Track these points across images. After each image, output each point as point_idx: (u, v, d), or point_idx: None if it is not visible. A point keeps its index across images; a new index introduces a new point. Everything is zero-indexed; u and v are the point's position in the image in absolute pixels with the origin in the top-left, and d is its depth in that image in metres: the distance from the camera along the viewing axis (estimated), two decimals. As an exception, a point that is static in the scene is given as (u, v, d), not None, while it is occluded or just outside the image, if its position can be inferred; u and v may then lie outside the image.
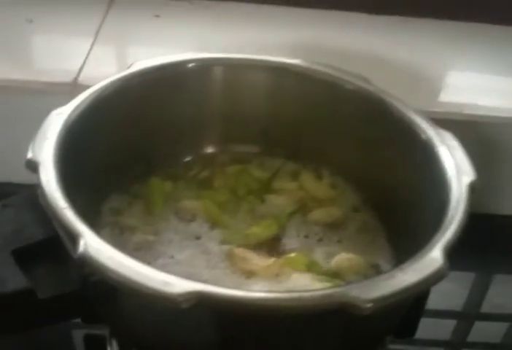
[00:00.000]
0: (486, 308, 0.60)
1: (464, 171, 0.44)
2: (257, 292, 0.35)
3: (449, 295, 0.59)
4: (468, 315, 0.59)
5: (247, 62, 0.53)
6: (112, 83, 0.48)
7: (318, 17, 0.75)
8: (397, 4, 0.76)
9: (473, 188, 0.42)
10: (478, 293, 0.61)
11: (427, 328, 0.55)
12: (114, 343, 0.49)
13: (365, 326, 0.38)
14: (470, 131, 0.62)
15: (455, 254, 0.58)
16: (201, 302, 0.33)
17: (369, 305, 0.33)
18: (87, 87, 0.50)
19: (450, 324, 0.58)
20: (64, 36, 0.71)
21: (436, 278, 0.35)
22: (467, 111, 0.63)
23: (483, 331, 0.58)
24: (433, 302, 0.55)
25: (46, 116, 0.46)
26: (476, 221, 0.62)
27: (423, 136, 0.47)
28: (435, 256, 0.36)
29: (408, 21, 0.76)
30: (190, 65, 0.51)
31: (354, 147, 0.53)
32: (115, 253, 0.35)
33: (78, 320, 0.45)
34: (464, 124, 0.62)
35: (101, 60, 0.67)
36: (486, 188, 0.64)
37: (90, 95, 0.47)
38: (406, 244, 0.46)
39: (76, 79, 0.62)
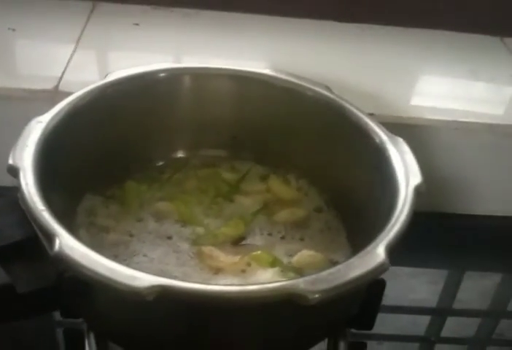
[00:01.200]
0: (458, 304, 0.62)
1: (412, 174, 0.47)
2: (213, 285, 0.39)
3: (424, 292, 0.62)
4: (441, 311, 0.62)
5: (215, 71, 0.56)
6: (88, 92, 0.51)
7: (292, 26, 0.78)
8: (364, 12, 0.80)
9: (419, 191, 0.46)
10: (450, 290, 0.64)
11: (402, 324, 0.59)
12: (92, 337, 0.52)
13: (316, 316, 0.41)
14: (430, 135, 0.66)
15: (429, 253, 0.63)
16: (164, 294, 0.36)
17: (315, 296, 0.37)
18: (68, 93, 0.53)
19: (425, 319, 0.61)
20: (46, 45, 0.73)
21: (378, 272, 0.39)
22: (428, 116, 0.66)
23: (455, 326, 0.61)
24: (408, 299, 0.60)
25: (27, 122, 0.49)
26: (448, 221, 0.68)
27: (377, 140, 0.51)
28: (378, 252, 0.40)
29: (374, 28, 0.79)
30: (161, 74, 0.55)
31: (316, 151, 0.56)
32: (88, 251, 0.39)
33: (58, 315, 0.49)
34: (426, 128, 0.65)
35: (81, 67, 0.68)
36: (452, 188, 0.69)
37: (67, 104, 0.50)
38: (363, 242, 0.49)
39: (57, 86, 0.65)
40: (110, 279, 0.37)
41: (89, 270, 0.37)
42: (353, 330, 0.53)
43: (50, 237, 0.39)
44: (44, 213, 0.41)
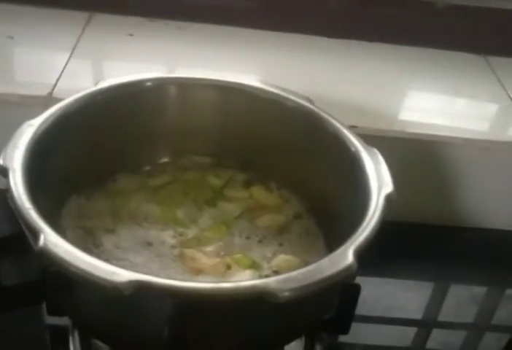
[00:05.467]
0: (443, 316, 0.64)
1: (384, 184, 0.49)
2: (188, 282, 0.41)
3: (409, 304, 0.64)
4: (427, 323, 0.63)
5: (201, 82, 0.59)
6: (79, 99, 0.54)
7: (281, 40, 0.81)
8: (352, 29, 0.82)
9: (390, 199, 0.48)
10: (436, 302, 0.65)
11: (388, 335, 0.61)
12: (76, 335, 0.54)
13: (289, 315, 0.43)
14: (411, 148, 0.68)
15: (413, 265, 0.65)
16: (141, 289, 0.38)
17: (285, 294, 0.39)
18: (61, 100, 0.55)
19: (409, 331, 0.62)
20: (42, 53, 0.75)
21: (346, 274, 0.41)
22: (410, 130, 0.68)
23: (440, 338, 0.62)
24: (394, 310, 0.62)
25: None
26: (442, 232, 0.70)
27: (353, 150, 0.53)
28: (346, 255, 0.42)
29: (362, 44, 0.81)
30: (148, 84, 0.57)
31: (297, 160, 0.59)
32: (70, 247, 0.41)
33: (42, 313, 0.51)
34: (408, 141, 0.67)
35: (75, 75, 0.70)
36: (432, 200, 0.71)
37: (58, 109, 0.52)
38: (339, 247, 0.51)
39: (51, 92, 0.67)
40: (90, 274, 0.39)
41: (71, 265, 0.39)
42: (340, 340, 0.55)
43: (35, 233, 0.41)
44: (30, 211, 0.43)
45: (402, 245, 0.66)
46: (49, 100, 0.65)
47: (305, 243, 0.57)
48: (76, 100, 0.53)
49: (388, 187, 0.49)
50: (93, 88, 0.55)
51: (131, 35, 0.79)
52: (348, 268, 0.41)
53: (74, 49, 0.74)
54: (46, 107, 0.54)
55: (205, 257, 0.53)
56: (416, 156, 0.68)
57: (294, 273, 0.40)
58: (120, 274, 0.39)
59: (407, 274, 0.67)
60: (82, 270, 0.39)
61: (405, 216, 0.65)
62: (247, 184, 0.61)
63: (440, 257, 0.68)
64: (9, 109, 0.66)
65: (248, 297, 0.39)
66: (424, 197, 0.71)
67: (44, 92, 0.67)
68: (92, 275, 0.39)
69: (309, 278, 0.40)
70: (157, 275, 0.40)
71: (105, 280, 0.39)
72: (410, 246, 0.68)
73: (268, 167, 0.61)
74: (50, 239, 0.41)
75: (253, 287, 0.39)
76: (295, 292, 0.39)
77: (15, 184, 0.45)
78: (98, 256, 0.51)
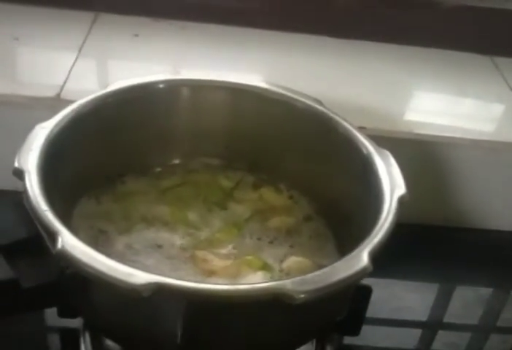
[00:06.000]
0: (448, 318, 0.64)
1: (397, 186, 0.49)
2: (205, 283, 0.41)
3: (415, 306, 0.64)
4: (432, 325, 0.64)
5: (211, 83, 0.59)
6: (90, 101, 0.54)
7: (288, 40, 0.81)
8: (357, 29, 0.82)
9: (402, 201, 0.48)
10: (441, 304, 0.66)
11: (395, 337, 0.61)
12: (87, 336, 0.54)
13: (304, 317, 0.44)
14: (419, 149, 0.68)
15: (420, 266, 0.65)
16: (159, 291, 0.39)
17: (302, 295, 0.39)
18: (70, 101, 0.55)
19: (415, 333, 0.63)
20: (48, 54, 0.75)
21: (361, 275, 0.41)
22: (417, 131, 0.68)
23: (446, 340, 0.63)
24: (401, 312, 0.62)
25: (29, 128, 0.51)
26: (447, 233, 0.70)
27: (364, 152, 0.53)
28: (361, 257, 0.42)
29: (368, 45, 0.82)
30: (160, 85, 0.57)
31: (307, 162, 0.59)
32: (87, 249, 0.41)
33: (53, 315, 0.51)
34: (415, 142, 0.67)
35: (82, 76, 0.70)
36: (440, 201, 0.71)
37: (70, 112, 0.52)
38: (350, 249, 0.51)
39: (59, 94, 0.67)
40: (108, 276, 0.39)
41: (89, 266, 0.40)
42: (347, 342, 0.55)
43: (53, 235, 0.42)
44: (47, 213, 0.43)
45: (409, 246, 0.66)
46: (58, 101, 0.65)
47: (316, 245, 0.57)
48: (88, 103, 0.54)
49: (401, 189, 0.49)
50: (104, 90, 0.55)
51: (137, 35, 0.79)
52: (363, 270, 0.41)
53: (80, 50, 0.74)
54: (54, 109, 0.54)
55: (217, 258, 0.53)
56: (422, 157, 0.69)
57: (310, 275, 0.41)
58: (138, 276, 0.39)
59: (413, 276, 0.67)
60: (100, 272, 0.39)
61: (411, 218, 0.65)
62: (257, 186, 0.62)
63: (446, 259, 0.69)
64: (16, 111, 0.66)
65: (265, 298, 0.40)
66: (430, 198, 0.71)
67: (51, 93, 0.67)
68: (111, 277, 0.39)
69: (325, 280, 0.41)
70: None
71: (123, 282, 0.39)
72: (417, 248, 0.68)
73: (278, 168, 0.61)
74: (68, 241, 0.41)
75: (270, 288, 0.40)
76: (311, 294, 0.40)
77: (31, 186, 0.45)
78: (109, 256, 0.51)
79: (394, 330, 0.62)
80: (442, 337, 0.63)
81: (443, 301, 0.66)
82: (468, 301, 0.66)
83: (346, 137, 0.54)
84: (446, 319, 0.64)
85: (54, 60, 0.73)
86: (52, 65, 0.71)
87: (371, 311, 0.59)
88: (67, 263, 0.41)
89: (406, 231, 0.60)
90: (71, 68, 0.72)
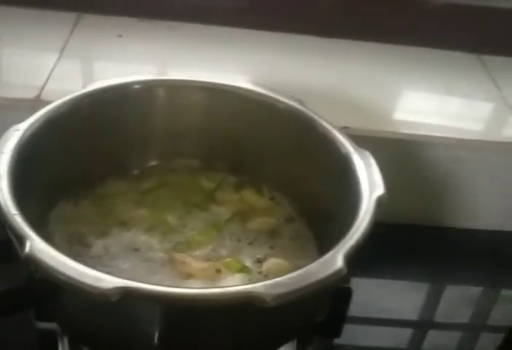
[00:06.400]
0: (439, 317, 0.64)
1: (375, 186, 0.49)
2: (174, 287, 0.40)
3: (403, 306, 0.63)
4: (420, 324, 0.63)
5: (189, 84, 0.58)
6: (66, 102, 0.53)
7: (274, 40, 0.80)
8: (345, 28, 0.81)
9: (381, 201, 0.47)
10: (430, 303, 0.65)
11: (383, 337, 0.60)
12: (66, 340, 0.53)
13: (279, 319, 0.43)
14: (403, 149, 0.68)
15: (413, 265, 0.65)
16: (127, 295, 0.38)
17: (273, 298, 0.38)
18: (50, 103, 0.54)
19: (405, 332, 0.62)
20: (30, 54, 0.74)
21: (335, 278, 0.41)
22: (403, 131, 0.68)
23: (434, 339, 0.62)
24: (392, 312, 0.62)
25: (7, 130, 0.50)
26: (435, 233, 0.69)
27: (344, 153, 0.52)
28: (336, 260, 0.42)
29: (354, 44, 0.81)
30: (136, 86, 0.57)
31: (288, 162, 0.58)
32: (56, 254, 0.40)
33: (31, 317, 0.50)
34: (400, 142, 0.67)
35: (64, 77, 0.70)
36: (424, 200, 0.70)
37: (45, 114, 0.52)
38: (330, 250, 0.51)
39: (38, 95, 0.66)
40: (76, 280, 0.38)
41: (57, 271, 0.39)
42: (336, 342, 0.55)
43: (21, 240, 0.41)
44: (16, 217, 0.42)
45: (394, 246, 0.66)
46: (37, 103, 0.64)
47: (297, 246, 0.56)
48: (63, 104, 0.53)
49: (379, 189, 0.48)
50: (80, 91, 0.54)
51: (121, 36, 0.78)
52: (337, 273, 0.41)
53: (62, 51, 0.74)
54: (34, 110, 0.53)
55: (195, 261, 0.53)
56: (409, 156, 0.68)
57: (283, 278, 0.40)
58: (106, 280, 0.38)
59: (400, 275, 0.67)
60: (69, 277, 0.39)
61: (396, 218, 0.65)
62: (238, 187, 0.61)
63: (432, 258, 0.68)
64: None
65: (236, 302, 0.39)
66: (416, 197, 0.70)
67: (31, 94, 0.66)
68: (79, 281, 0.38)
69: (298, 282, 0.40)
70: (145, 281, 0.39)
71: (91, 286, 0.38)
72: (403, 248, 0.67)
73: (259, 169, 0.60)
74: (36, 245, 0.40)
75: (240, 292, 0.39)
76: (283, 297, 0.39)
77: (1, 189, 0.44)
78: (86, 262, 0.50)
79: (381, 330, 0.62)
80: (430, 336, 0.63)
81: (431, 301, 0.66)
82: (455, 300, 0.66)
83: (325, 137, 0.54)
84: (435, 319, 0.64)
85: (35, 61, 0.72)
86: (32, 67, 0.71)
87: (358, 311, 0.59)
88: (35, 268, 0.40)
89: (392, 231, 0.61)
90: (53, 69, 0.71)
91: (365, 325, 0.61)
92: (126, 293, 0.38)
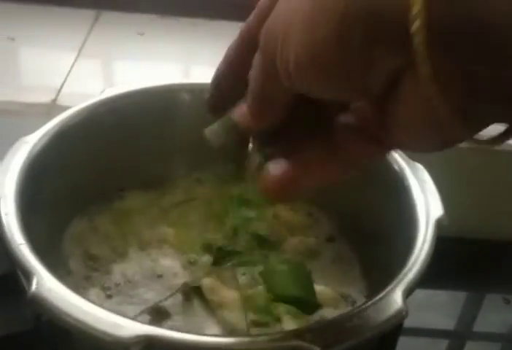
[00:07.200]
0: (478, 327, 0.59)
1: (433, 207, 0.42)
2: (207, 335, 0.34)
3: (442, 314, 0.59)
4: (460, 334, 0.59)
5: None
6: (80, 111, 0.48)
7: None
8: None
9: (440, 225, 0.41)
10: (470, 312, 0.60)
11: (419, 347, 0.56)
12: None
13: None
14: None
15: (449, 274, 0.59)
16: (151, 346, 0.32)
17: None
18: (66, 107, 0.49)
19: (443, 343, 0.58)
20: (45, 55, 0.72)
21: (394, 321, 0.34)
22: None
23: None
24: (426, 321, 0.57)
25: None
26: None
27: (395, 167, 0.46)
28: (394, 299, 0.35)
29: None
30: (157, 91, 0.51)
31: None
32: (68, 292, 0.34)
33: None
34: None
35: (82, 78, 0.67)
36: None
37: (56, 125, 0.46)
38: (379, 276, 0.45)
39: (54, 99, 0.63)
40: (90, 327, 0.33)
41: (67, 315, 0.33)
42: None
43: (28, 275, 0.35)
44: (22, 247, 0.37)
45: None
46: (53, 108, 0.61)
47: (339, 270, 0.50)
48: (78, 113, 0.47)
49: (437, 209, 0.42)
50: (96, 98, 0.49)
51: (142, 34, 0.73)
52: (397, 315, 0.34)
53: (80, 51, 0.70)
54: (49, 116, 0.48)
55: (225, 288, 0.47)
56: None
57: (330, 323, 0.34)
58: (126, 327, 0.32)
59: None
60: (81, 322, 0.33)
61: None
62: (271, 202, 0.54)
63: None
64: (9, 119, 0.62)
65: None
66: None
67: (47, 98, 0.63)
68: (93, 328, 0.33)
69: (349, 329, 0.34)
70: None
71: (108, 334, 0.32)
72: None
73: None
74: (44, 282, 0.35)
75: (285, 343, 0.33)
76: (333, 348, 0.33)
77: (6, 214, 0.39)
78: (104, 291, 0.44)
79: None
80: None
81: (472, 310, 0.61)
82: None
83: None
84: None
85: (51, 61, 0.69)
86: (49, 67, 0.68)
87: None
88: (41, 310, 0.34)
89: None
90: (70, 70, 0.67)
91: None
92: (148, 343, 0.32)
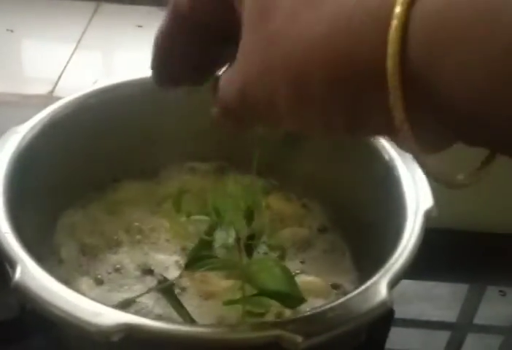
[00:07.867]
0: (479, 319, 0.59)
1: (422, 198, 0.42)
2: (186, 325, 0.34)
3: (443, 307, 0.58)
4: (462, 326, 0.58)
5: (210, 78, 0.51)
6: (72, 101, 0.48)
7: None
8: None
9: (429, 215, 0.41)
10: (471, 305, 0.60)
11: (419, 339, 0.55)
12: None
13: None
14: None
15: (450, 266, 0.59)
16: (131, 334, 0.32)
17: (302, 340, 0.32)
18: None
19: (443, 335, 0.57)
20: (43, 47, 0.71)
21: (378, 312, 0.34)
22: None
23: (476, 343, 0.57)
24: (426, 313, 0.56)
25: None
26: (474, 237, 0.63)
27: (386, 157, 0.46)
28: (379, 289, 0.35)
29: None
30: (148, 82, 0.50)
31: (320, 166, 0.52)
32: (51, 281, 0.34)
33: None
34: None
35: (80, 70, 0.67)
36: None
37: (48, 115, 0.46)
38: (370, 267, 0.44)
39: (52, 91, 0.62)
40: (72, 315, 0.32)
41: (49, 303, 0.33)
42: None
43: (12, 263, 0.35)
44: (7, 235, 0.37)
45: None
46: (50, 99, 0.60)
47: (330, 260, 0.50)
48: (69, 104, 0.47)
49: (427, 200, 0.42)
50: (89, 89, 0.48)
51: (140, 26, 0.73)
52: (381, 306, 0.34)
53: (78, 43, 0.70)
54: (47, 107, 0.48)
55: (217, 278, 0.46)
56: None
57: (313, 314, 0.34)
58: (107, 315, 0.32)
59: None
60: (62, 310, 0.33)
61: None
62: (265, 192, 0.54)
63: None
64: (6, 110, 0.61)
65: (259, 344, 0.33)
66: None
67: (44, 90, 0.63)
68: (74, 316, 0.33)
69: (332, 319, 0.33)
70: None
71: (89, 323, 0.32)
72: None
73: (289, 173, 0.54)
74: (28, 271, 0.35)
75: (265, 333, 0.32)
76: (314, 339, 0.32)
77: (-6, 203, 0.39)
78: (94, 279, 0.44)
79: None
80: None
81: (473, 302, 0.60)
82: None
83: (365, 140, 0.47)
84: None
85: (49, 52, 0.69)
86: (47, 58, 0.68)
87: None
88: (24, 299, 0.34)
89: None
90: (68, 61, 0.67)
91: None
92: (129, 331, 0.32)
